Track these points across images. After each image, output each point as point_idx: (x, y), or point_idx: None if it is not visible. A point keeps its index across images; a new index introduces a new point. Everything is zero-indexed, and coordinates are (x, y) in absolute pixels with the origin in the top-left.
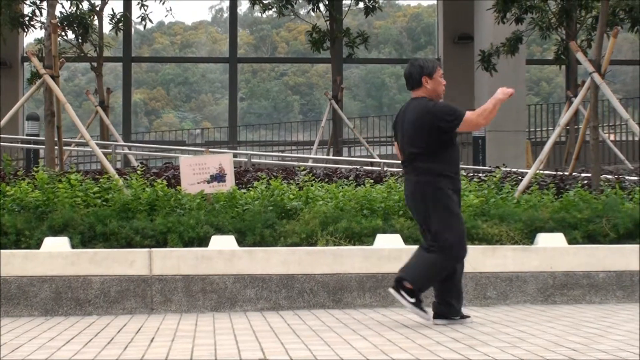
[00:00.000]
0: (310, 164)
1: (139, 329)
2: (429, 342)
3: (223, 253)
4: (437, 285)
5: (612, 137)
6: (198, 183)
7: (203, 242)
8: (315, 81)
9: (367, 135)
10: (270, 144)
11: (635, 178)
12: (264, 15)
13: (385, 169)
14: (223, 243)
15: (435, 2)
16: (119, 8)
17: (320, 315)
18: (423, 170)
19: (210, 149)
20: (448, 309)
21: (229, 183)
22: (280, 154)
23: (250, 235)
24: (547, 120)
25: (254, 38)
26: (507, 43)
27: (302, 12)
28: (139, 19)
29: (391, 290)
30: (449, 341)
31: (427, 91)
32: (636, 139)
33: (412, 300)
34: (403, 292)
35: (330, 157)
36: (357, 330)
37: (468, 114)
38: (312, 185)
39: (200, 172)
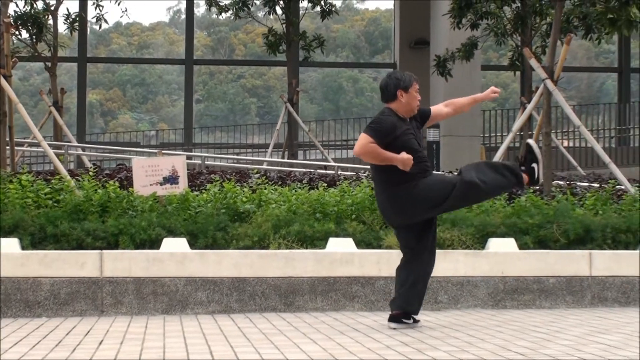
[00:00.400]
0: (264, 166)
1: (88, 331)
2: (378, 345)
3: (175, 255)
4: (400, 291)
5: (565, 143)
6: (150, 185)
7: (155, 244)
8: (273, 84)
9: (323, 138)
10: (226, 146)
11: (587, 184)
12: (221, 17)
13: (339, 172)
14: (175, 245)
15: (392, 6)
16: (74, 8)
17: (271, 318)
18: (383, 181)
19: (163, 151)
20: (404, 314)
21: (182, 185)
22: (235, 156)
23: (202, 237)
24: (502, 125)
25: (212, 40)
26: (463, 48)
27: (260, 14)
28: (95, 19)
29: None
30: (398, 345)
31: (401, 105)
32: (589, 145)
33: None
34: None
35: (285, 160)
36: (307, 333)
37: (365, 139)
38: (265, 188)
39: (153, 174)
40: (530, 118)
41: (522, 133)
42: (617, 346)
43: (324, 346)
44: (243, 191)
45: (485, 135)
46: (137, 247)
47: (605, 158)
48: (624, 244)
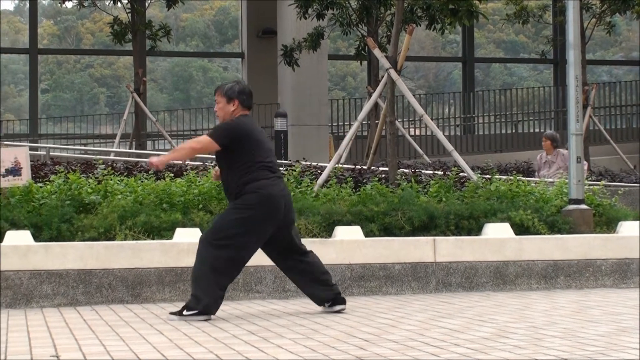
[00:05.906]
0: (112, 157)
1: None
2: (225, 335)
3: (18, 248)
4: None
5: (413, 131)
6: None
7: None
8: (122, 73)
9: (173, 128)
10: (73, 137)
11: (431, 172)
12: (65, 6)
13: (186, 162)
14: (18, 238)
15: None
16: None
17: (118, 310)
18: None
19: (5, 142)
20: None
21: (25, 177)
22: (82, 147)
23: (46, 230)
24: (350, 114)
25: (59, 29)
26: (309, 38)
27: (106, 2)
28: None
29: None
30: (244, 334)
31: None
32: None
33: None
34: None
35: (132, 150)
36: (154, 324)
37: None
38: (111, 179)
39: None
40: (377, 107)
41: (369, 122)
42: (458, 330)
43: (170, 337)
44: (88, 182)
45: (334, 124)
46: None
47: (448, 146)
48: (466, 230)
